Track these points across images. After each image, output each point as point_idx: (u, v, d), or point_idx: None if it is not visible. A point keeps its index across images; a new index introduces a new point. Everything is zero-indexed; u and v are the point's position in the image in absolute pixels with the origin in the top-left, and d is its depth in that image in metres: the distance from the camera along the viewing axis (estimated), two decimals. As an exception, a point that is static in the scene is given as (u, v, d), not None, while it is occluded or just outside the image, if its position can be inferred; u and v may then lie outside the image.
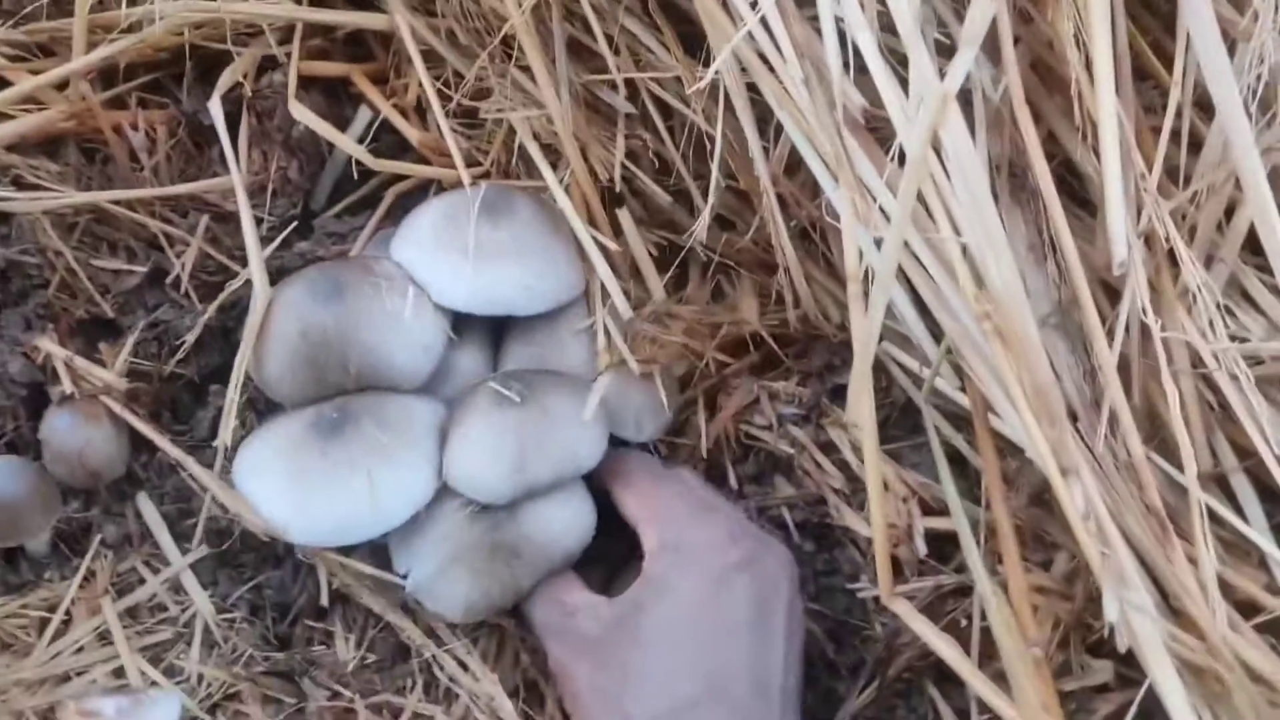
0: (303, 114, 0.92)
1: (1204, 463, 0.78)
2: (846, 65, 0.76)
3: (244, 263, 0.92)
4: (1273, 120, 0.76)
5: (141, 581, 0.88)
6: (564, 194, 0.92)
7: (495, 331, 0.91)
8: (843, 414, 0.94)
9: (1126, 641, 0.66)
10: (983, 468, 0.82)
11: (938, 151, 0.71)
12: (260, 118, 0.96)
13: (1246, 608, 0.74)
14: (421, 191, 1.00)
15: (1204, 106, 0.84)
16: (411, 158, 0.99)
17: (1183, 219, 0.79)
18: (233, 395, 0.87)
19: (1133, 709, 0.71)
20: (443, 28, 0.99)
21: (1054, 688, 0.71)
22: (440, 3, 0.98)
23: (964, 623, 0.82)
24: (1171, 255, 0.78)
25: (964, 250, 0.72)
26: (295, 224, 0.96)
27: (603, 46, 0.93)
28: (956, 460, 0.92)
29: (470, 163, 0.95)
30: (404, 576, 0.85)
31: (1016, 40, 0.81)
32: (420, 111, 1.01)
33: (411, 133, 0.95)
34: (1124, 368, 0.78)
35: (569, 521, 0.85)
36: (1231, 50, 0.74)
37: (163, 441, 0.87)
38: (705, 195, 0.93)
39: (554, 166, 0.94)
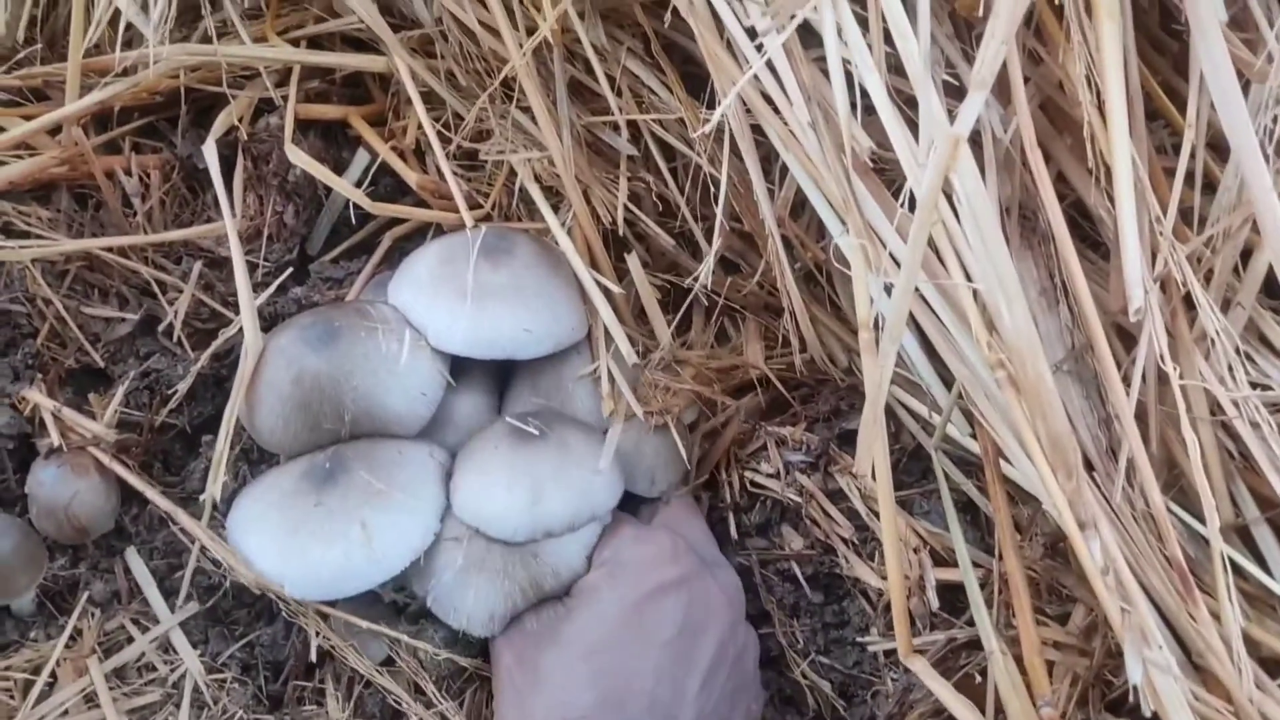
0: (299, 158, 0.90)
1: (1225, 514, 0.75)
2: (854, 107, 0.75)
3: (238, 309, 0.90)
4: (1289, 162, 0.75)
5: (130, 640, 0.86)
6: (566, 236, 0.90)
7: (497, 377, 0.89)
8: (851, 461, 0.92)
9: (1150, 704, 0.63)
10: (994, 517, 0.79)
11: (948, 195, 0.69)
12: (256, 161, 0.95)
13: (1273, 665, 0.71)
14: (420, 235, 0.98)
15: (1217, 148, 0.82)
16: (410, 200, 0.97)
17: (1199, 262, 0.77)
18: (222, 447, 0.85)
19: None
20: (442, 69, 0.98)
21: (1070, 749, 0.68)
22: (439, 44, 0.97)
23: (978, 678, 0.80)
24: (1188, 299, 0.76)
25: (976, 296, 0.70)
26: (291, 269, 0.95)
27: (605, 88, 0.92)
28: (968, 508, 0.90)
29: (471, 205, 0.93)
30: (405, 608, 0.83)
31: (1026, 81, 0.79)
32: (419, 154, 0.99)
33: (410, 175, 0.94)
34: (1141, 415, 0.76)
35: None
36: (1245, 90, 0.73)
37: (153, 494, 0.85)
38: (709, 238, 0.92)
39: (555, 208, 0.93)
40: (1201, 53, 0.71)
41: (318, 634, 0.83)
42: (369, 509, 0.80)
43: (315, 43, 1.00)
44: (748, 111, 0.83)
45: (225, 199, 0.89)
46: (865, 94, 0.74)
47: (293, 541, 0.79)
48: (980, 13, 0.75)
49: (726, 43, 0.80)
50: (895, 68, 0.73)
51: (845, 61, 0.74)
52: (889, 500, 0.76)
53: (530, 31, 0.89)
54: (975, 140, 0.81)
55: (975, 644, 0.84)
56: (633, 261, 0.91)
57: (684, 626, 0.78)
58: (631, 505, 0.88)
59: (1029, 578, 0.76)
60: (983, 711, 0.78)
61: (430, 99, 0.97)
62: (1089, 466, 0.77)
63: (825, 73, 0.76)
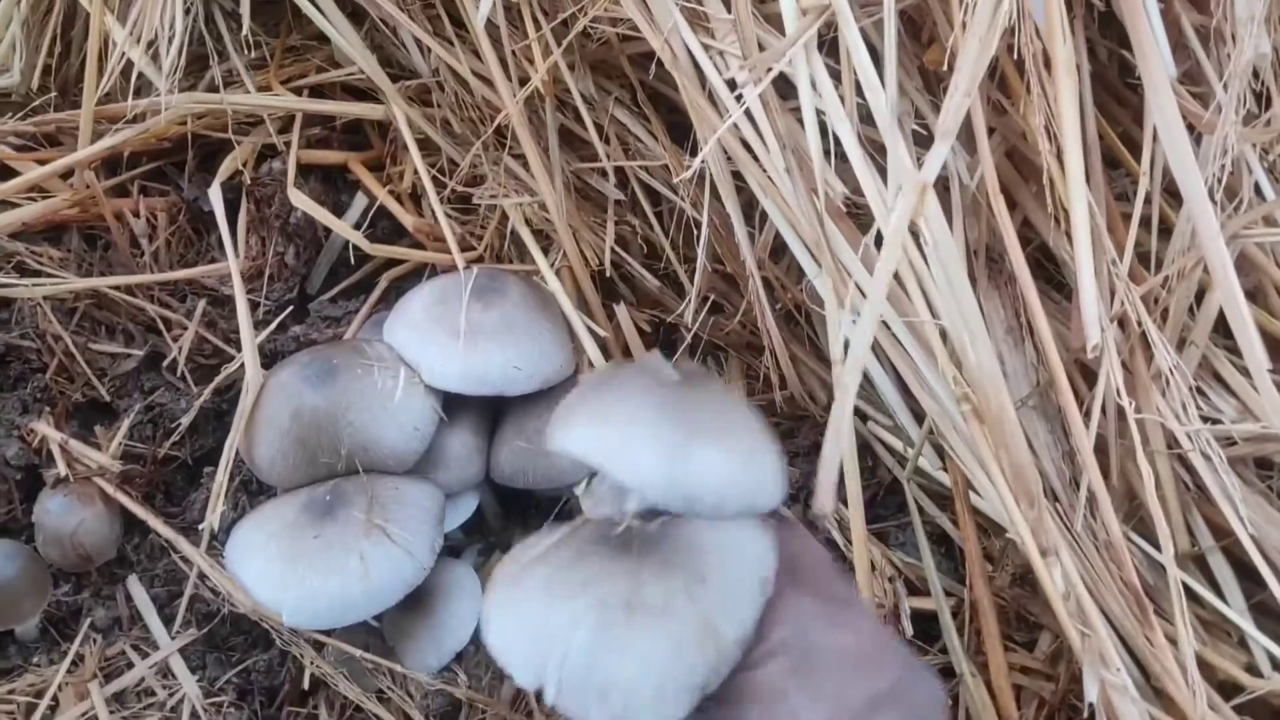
0: (301, 201, 0.94)
1: (1182, 542, 0.79)
2: (827, 154, 0.79)
3: (239, 346, 0.94)
4: (1238, 207, 0.79)
5: (130, 665, 0.88)
6: (555, 277, 0.94)
7: (487, 415, 0.93)
8: (830, 494, 0.95)
9: (1109, 722, 0.67)
10: (965, 547, 0.83)
11: (916, 237, 0.73)
12: (259, 204, 0.99)
13: (1227, 688, 0.74)
14: (415, 276, 1.02)
15: (1173, 193, 0.87)
16: (406, 243, 1.01)
17: (1155, 302, 0.81)
18: (221, 479, 0.89)
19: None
20: (438, 117, 1.02)
21: (1036, 770, 0.71)
22: (435, 93, 1.02)
23: (949, 703, 0.82)
24: (1144, 338, 0.80)
25: (943, 334, 0.74)
26: (291, 308, 0.98)
27: (593, 135, 0.96)
28: (942, 539, 0.93)
29: (464, 247, 0.97)
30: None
31: (990, 130, 0.84)
32: (415, 198, 1.03)
33: (406, 218, 0.98)
34: (1101, 448, 0.79)
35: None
36: (1197, 141, 0.77)
37: (154, 522, 0.88)
38: (692, 279, 0.96)
39: (545, 250, 0.97)
40: (1154, 106, 0.75)
41: (311, 662, 0.85)
42: (367, 543, 0.83)
43: (317, 91, 1.05)
44: (728, 159, 0.87)
45: (229, 240, 0.93)
46: (838, 141, 0.78)
47: (292, 571, 0.82)
48: (946, 66, 0.80)
49: (708, 93, 0.85)
50: (866, 116, 0.77)
51: (818, 111, 0.79)
52: (860, 527, 0.79)
53: (523, 81, 0.94)
54: (944, 186, 0.85)
55: (948, 670, 0.87)
56: (620, 311, 0.95)
57: None
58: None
59: (998, 605, 0.79)
60: (953, 735, 0.80)
61: (426, 145, 1.02)
62: (1053, 497, 0.80)
63: (800, 121, 0.81)
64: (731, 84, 0.82)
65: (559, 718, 0.61)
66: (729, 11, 0.83)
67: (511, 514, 0.98)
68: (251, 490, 0.93)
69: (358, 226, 1.01)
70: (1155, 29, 0.76)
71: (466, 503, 0.92)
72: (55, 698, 0.85)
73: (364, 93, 1.05)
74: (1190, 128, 0.75)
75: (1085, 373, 0.85)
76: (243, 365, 0.91)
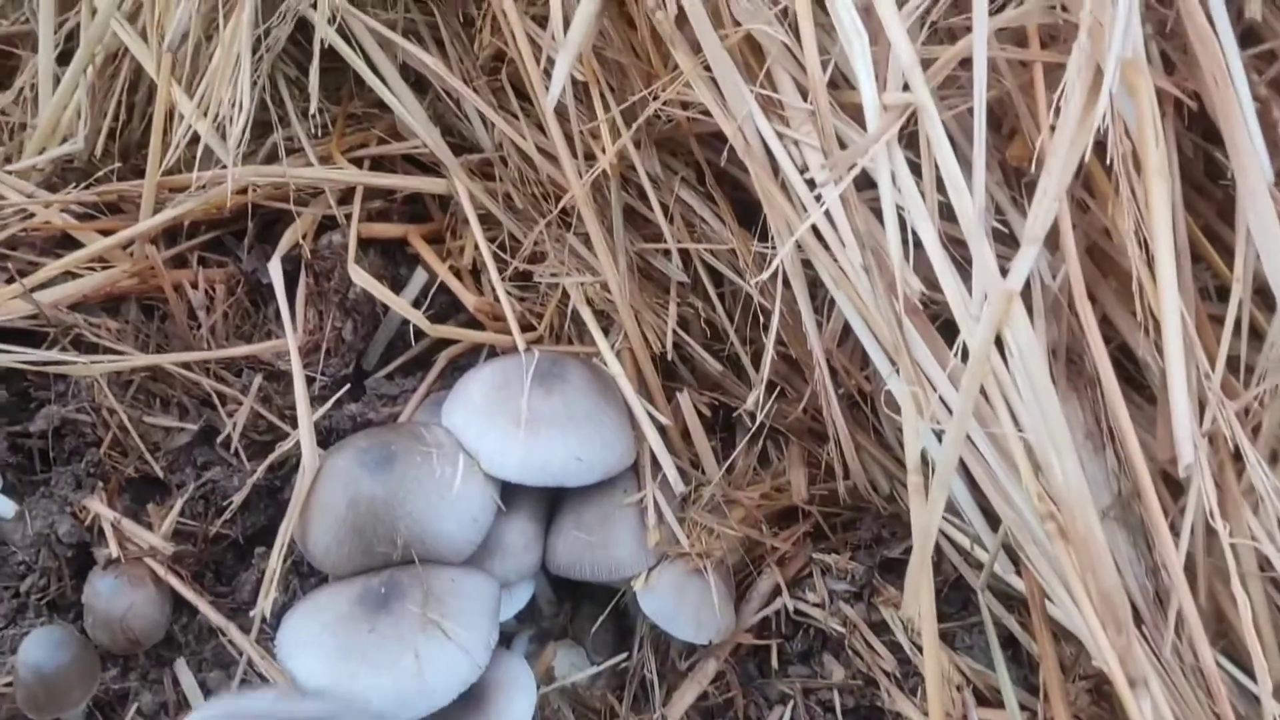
0: (361, 278, 0.93)
1: (1276, 671, 0.75)
2: (905, 252, 0.77)
3: (294, 422, 0.92)
4: (1337, 319, 0.76)
5: (177, 754, 0.86)
6: (616, 360, 0.92)
7: (545, 504, 0.91)
8: (895, 593, 0.93)
9: None
10: (1040, 660, 0.79)
11: (999, 344, 0.71)
12: (318, 278, 0.98)
13: (1323, 827, 0.70)
14: (474, 354, 1.00)
15: (1264, 294, 0.84)
16: (465, 320, 1.00)
17: (1246, 415, 0.78)
18: (275, 565, 0.87)
19: None
20: (499, 192, 1.01)
21: None
22: (498, 168, 1.01)
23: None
24: (1235, 453, 0.76)
25: (1026, 446, 0.71)
26: (348, 385, 0.97)
27: (658, 216, 0.94)
28: (1009, 643, 0.89)
29: (524, 326, 0.96)
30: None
31: (1073, 228, 0.81)
32: (475, 274, 1.02)
33: (467, 297, 0.96)
34: (1188, 566, 0.76)
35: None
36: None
37: (205, 607, 0.87)
38: (755, 362, 0.94)
39: (606, 331, 0.95)
40: (1249, 211, 0.73)
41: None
42: (423, 638, 0.80)
43: (378, 163, 1.04)
44: (799, 247, 0.85)
45: (288, 316, 0.92)
46: (916, 237, 0.76)
47: (344, 666, 0.80)
48: (1030, 164, 0.77)
49: (780, 181, 0.83)
50: (945, 212, 0.75)
51: (899, 208, 0.77)
52: (933, 642, 0.76)
53: (588, 159, 0.92)
54: (1024, 288, 0.82)
55: (1020, 787, 0.84)
56: (683, 399, 0.93)
57: None
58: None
59: (1075, 724, 0.76)
60: None
61: (487, 220, 1.00)
62: (1136, 615, 0.77)
63: (876, 214, 0.78)
64: (806, 174, 0.80)
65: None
66: (805, 100, 0.81)
67: (564, 600, 0.96)
68: (303, 573, 0.91)
69: (416, 303, 1.00)
70: (1252, 132, 0.73)
71: (522, 592, 0.90)
72: (100, 787, 0.84)
73: (425, 165, 1.04)
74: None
75: (1169, 481, 0.82)
76: (297, 443, 0.89)
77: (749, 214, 0.95)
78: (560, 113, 0.91)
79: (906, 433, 0.75)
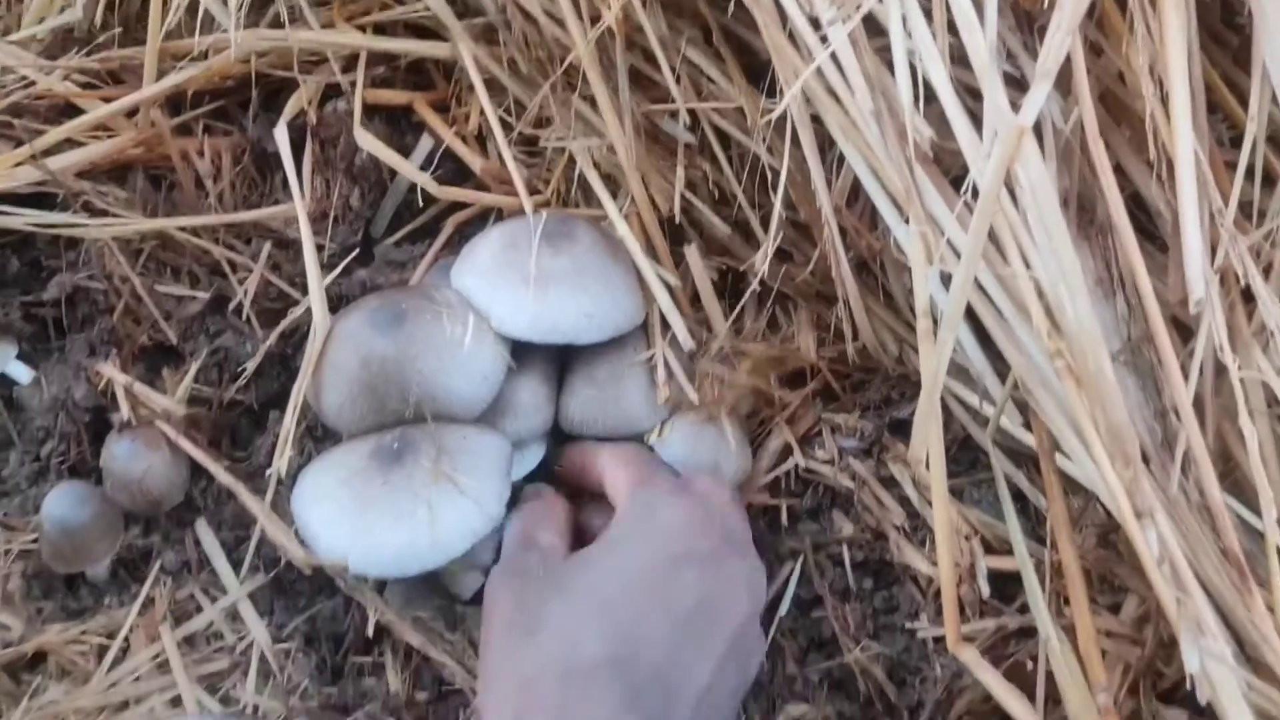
0: (368, 141, 0.92)
1: (1282, 507, 0.76)
2: (916, 98, 0.76)
3: (305, 290, 0.92)
4: (1353, 156, 0.75)
5: (199, 609, 0.88)
6: (624, 223, 0.92)
7: (555, 363, 0.91)
8: (904, 449, 0.93)
9: (1206, 693, 0.64)
10: (1047, 507, 0.80)
11: (1009, 185, 0.70)
12: (324, 145, 0.97)
13: (1327, 657, 0.71)
14: (481, 220, 1.00)
15: (1277, 141, 0.83)
16: (472, 186, 0.99)
17: (1258, 255, 0.77)
18: (289, 424, 0.87)
19: (1210, 761, 0.69)
20: (504, 57, 0.99)
21: (1124, 737, 0.69)
22: (502, 32, 0.99)
23: (1030, 665, 0.80)
24: (1245, 292, 0.76)
25: (1037, 287, 0.71)
26: (356, 251, 0.97)
27: (666, 77, 0.93)
28: (1017, 498, 0.90)
29: (531, 191, 0.95)
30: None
31: (1087, 72, 0.80)
32: (481, 140, 1.01)
33: (474, 160, 0.95)
34: (1197, 407, 0.76)
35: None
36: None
37: (217, 470, 0.88)
38: (764, 226, 0.93)
39: (614, 195, 0.94)
40: (1265, 46, 0.71)
41: (375, 610, 0.85)
42: (435, 491, 0.81)
43: (380, 29, 1.02)
44: (807, 101, 0.84)
45: (295, 182, 0.92)
46: (928, 84, 0.74)
47: (360, 519, 0.81)
48: (1045, 4, 0.76)
49: (789, 33, 0.81)
50: (957, 59, 0.74)
51: (909, 52, 0.75)
52: (942, 488, 0.76)
53: (594, 20, 0.90)
54: (1035, 131, 0.81)
55: (1024, 632, 0.85)
56: (691, 254, 0.93)
57: (703, 603, 0.72)
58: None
59: (1082, 568, 0.76)
60: (1031, 699, 0.79)
61: (492, 86, 0.99)
62: (1144, 459, 0.77)
63: (887, 63, 0.77)
64: (814, 22, 0.79)
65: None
66: (813, -55, 0.79)
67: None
68: (317, 436, 0.92)
69: (423, 170, 0.99)
70: (1271, -38, 0.71)
71: (533, 453, 0.90)
72: (127, 639, 0.86)
73: (428, 31, 1.03)
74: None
75: (1179, 328, 0.82)
76: (309, 309, 0.90)
77: (757, 76, 0.93)
78: (565, -30, 0.90)
79: (915, 277, 0.75)
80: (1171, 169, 0.72)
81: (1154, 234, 0.87)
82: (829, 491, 0.93)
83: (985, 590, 0.84)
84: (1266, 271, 0.77)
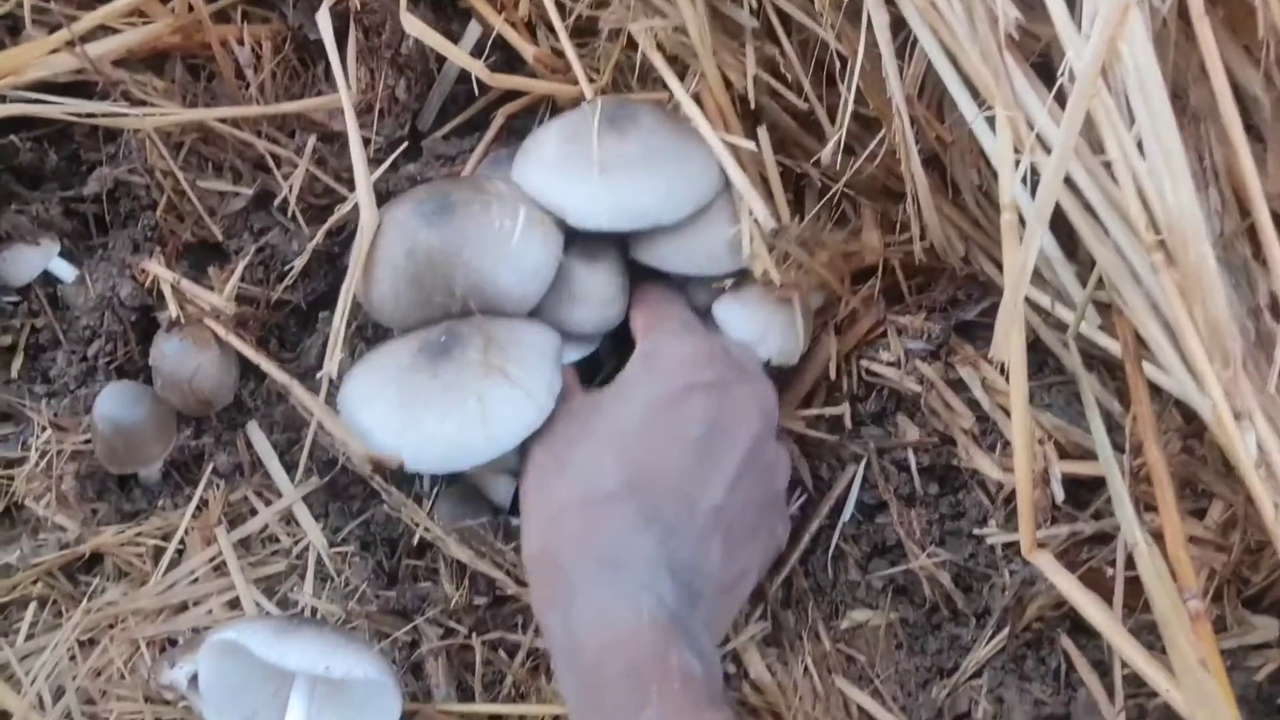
0: (416, 27, 0.87)
1: (1384, 410, 0.72)
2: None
3: (351, 185, 0.89)
4: None
5: (253, 512, 0.87)
6: (693, 104, 0.87)
7: (624, 253, 0.87)
8: (972, 351, 0.90)
9: (1305, 598, 0.62)
10: (1130, 410, 0.77)
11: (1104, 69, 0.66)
12: (368, 33, 0.92)
13: None
14: (529, 114, 0.96)
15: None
16: (522, 75, 0.94)
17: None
18: (339, 324, 0.84)
19: (1299, 668, 0.67)
20: (555, -67, 0.94)
21: (1214, 643, 0.66)
22: (552, -92, 0.93)
23: (1109, 572, 0.78)
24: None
25: (1134, 176, 0.67)
26: (404, 146, 0.93)
27: (729, -47, 0.88)
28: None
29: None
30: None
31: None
32: (530, 27, 0.96)
33: (526, 48, 0.90)
34: (1293, 303, 0.73)
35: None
36: None
37: (271, 368, 0.85)
38: (831, 117, 0.89)
39: (681, 78, 0.89)
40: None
41: (420, 525, 0.83)
42: (485, 383, 0.78)
43: (426, -91, 0.97)
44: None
45: (340, 71, 0.87)
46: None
47: (408, 415, 0.79)
48: None
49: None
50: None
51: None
52: (1022, 392, 0.73)
53: (651, -105, 0.85)
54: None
55: (1099, 538, 0.83)
56: (763, 136, 0.88)
57: (713, 427, 0.76)
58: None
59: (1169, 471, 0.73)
60: (1108, 604, 0.77)
61: (545, -33, 0.94)
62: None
63: (970, -60, 0.72)
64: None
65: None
66: None
67: (624, 359, 0.94)
68: (367, 337, 0.89)
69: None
70: None
71: (585, 346, 0.88)
72: (182, 541, 0.85)
73: (476, -90, 0.97)
74: None
75: (1276, 221, 0.78)
76: (356, 205, 0.86)
77: (824, -45, 0.88)
78: None
79: (1001, 167, 0.71)
80: (1273, 48, 0.67)
81: (1251, 125, 0.82)
82: (893, 395, 0.90)
83: (1060, 495, 0.82)
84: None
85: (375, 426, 0.80)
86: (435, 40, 0.87)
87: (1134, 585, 0.79)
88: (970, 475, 0.88)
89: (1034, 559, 0.75)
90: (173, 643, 0.81)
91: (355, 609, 0.81)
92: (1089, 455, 0.85)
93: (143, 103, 0.89)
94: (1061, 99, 0.69)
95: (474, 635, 0.82)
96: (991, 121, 0.74)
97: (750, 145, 0.87)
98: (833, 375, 0.90)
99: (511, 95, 0.94)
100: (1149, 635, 0.78)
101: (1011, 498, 0.85)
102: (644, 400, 0.78)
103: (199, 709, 0.76)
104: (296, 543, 0.85)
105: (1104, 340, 0.85)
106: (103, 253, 0.90)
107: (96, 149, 0.90)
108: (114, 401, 0.81)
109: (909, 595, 0.87)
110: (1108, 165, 0.69)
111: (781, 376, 0.88)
